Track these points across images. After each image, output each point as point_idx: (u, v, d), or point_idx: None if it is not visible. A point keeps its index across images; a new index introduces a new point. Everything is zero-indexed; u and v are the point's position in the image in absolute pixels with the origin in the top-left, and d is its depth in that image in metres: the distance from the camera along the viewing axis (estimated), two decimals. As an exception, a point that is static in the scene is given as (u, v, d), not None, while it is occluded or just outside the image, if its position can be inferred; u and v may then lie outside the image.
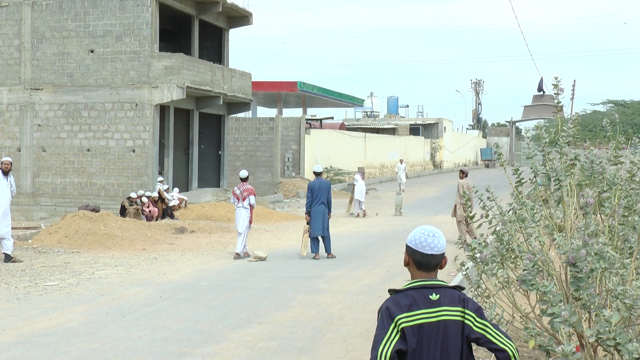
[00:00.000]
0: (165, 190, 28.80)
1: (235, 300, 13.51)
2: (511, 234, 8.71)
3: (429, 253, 4.29)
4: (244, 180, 19.73)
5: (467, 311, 4.26)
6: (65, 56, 30.53)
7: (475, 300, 4.39)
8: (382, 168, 63.35)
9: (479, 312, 4.29)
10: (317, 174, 19.79)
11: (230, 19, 36.61)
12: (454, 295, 4.27)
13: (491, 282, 9.20)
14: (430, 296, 4.22)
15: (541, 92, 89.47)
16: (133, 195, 26.76)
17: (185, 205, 29.54)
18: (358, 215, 31.00)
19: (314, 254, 18.97)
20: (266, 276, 16.14)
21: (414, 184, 47.62)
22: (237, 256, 18.92)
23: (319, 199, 19.14)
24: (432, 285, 4.27)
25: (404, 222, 28.39)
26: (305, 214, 19.38)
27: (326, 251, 19.17)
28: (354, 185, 31.56)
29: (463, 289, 4.35)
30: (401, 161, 48.54)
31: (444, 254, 4.36)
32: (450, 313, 4.22)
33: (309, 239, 19.24)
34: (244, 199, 19.34)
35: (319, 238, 19.19)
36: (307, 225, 19.25)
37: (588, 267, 6.89)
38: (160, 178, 29.65)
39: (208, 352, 10.03)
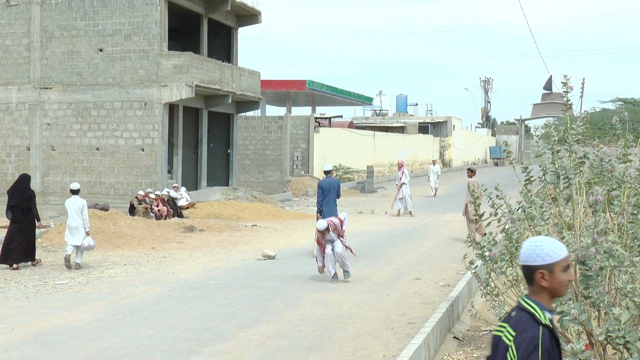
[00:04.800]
0: (173, 188, 28.82)
1: (244, 299, 13.52)
2: (520, 232, 8.69)
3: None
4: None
5: (509, 329, 4.11)
6: (74, 55, 30.59)
7: (529, 336, 4.14)
8: (391, 167, 63.29)
9: (521, 348, 4.03)
10: (327, 173, 19.60)
11: (239, 18, 36.63)
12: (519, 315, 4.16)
13: (500, 280, 9.19)
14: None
15: (549, 91, 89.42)
16: (141, 193, 26.81)
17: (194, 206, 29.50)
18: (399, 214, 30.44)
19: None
20: (275, 275, 16.14)
21: (423, 182, 47.32)
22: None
23: (330, 198, 18.98)
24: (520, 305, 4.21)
25: (412, 220, 28.36)
26: (317, 212, 19.17)
27: None
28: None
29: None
30: (434, 162, 43.60)
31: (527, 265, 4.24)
32: (499, 328, 4.19)
33: None
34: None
35: None
36: None
37: (597, 265, 6.88)
38: (175, 184, 29.69)
39: (217, 351, 10.04)
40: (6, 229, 18.14)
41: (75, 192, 18.05)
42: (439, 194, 41.57)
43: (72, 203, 17.72)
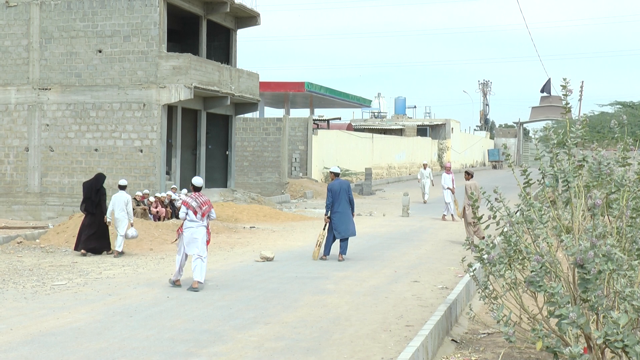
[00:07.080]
0: (171, 189, 28.81)
1: (242, 301, 13.52)
2: (519, 235, 8.70)
3: None
4: (199, 189, 15.43)
5: None
6: (73, 56, 30.59)
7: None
8: (389, 169, 63.34)
9: None
10: (336, 175, 19.31)
11: (238, 19, 36.64)
12: None
13: (499, 283, 9.19)
14: None
15: (544, 93, 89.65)
16: (138, 194, 26.81)
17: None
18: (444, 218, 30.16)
19: (323, 255, 18.73)
20: (273, 276, 16.13)
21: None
22: (178, 283, 15.03)
23: (341, 200, 18.77)
24: None
25: (411, 223, 28.37)
26: (325, 216, 18.91)
27: (341, 253, 18.89)
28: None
29: None
30: (425, 166, 39.17)
31: None
32: None
33: (326, 240, 18.83)
34: (203, 215, 14.98)
35: (331, 240, 18.86)
36: (324, 231, 18.90)
37: (596, 268, 6.88)
38: (173, 185, 29.68)
39: (215, 352, 10.03)
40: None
41: (123, 187, 20.35)
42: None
43: (119, 198, 19.98)
